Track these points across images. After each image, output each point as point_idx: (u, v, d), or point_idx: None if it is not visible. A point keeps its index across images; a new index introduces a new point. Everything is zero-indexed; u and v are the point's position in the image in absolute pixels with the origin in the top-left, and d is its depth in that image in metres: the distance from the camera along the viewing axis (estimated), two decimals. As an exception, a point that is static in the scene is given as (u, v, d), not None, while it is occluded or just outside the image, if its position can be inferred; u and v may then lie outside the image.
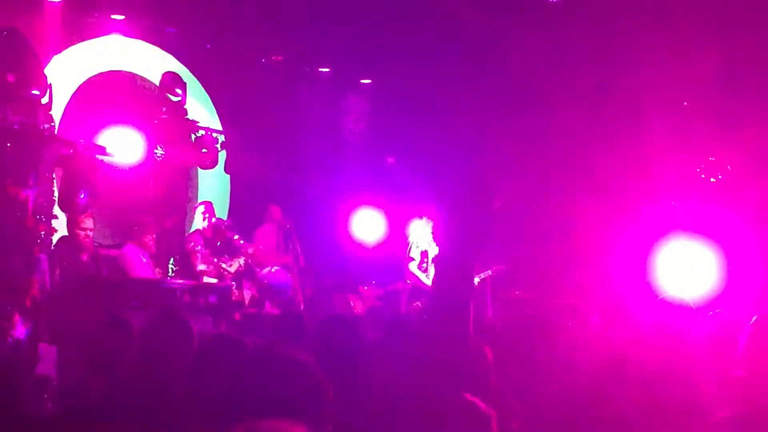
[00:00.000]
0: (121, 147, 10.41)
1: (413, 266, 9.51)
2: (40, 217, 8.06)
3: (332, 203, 13.78)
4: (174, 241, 10.44)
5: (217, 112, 12.50)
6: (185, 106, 11.41)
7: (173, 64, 11.71)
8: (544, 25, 11.59)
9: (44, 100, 7.85)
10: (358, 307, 11.00)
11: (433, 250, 9.50)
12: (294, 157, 13.50)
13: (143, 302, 7.67)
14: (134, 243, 8.89)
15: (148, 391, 3.38)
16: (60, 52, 10.39)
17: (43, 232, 8.17)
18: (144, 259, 8.82)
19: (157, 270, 9.12)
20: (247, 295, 10.40)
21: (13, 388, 3.61)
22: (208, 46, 12.11)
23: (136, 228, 8.92)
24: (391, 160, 14.00)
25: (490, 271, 10.71)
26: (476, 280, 10.57)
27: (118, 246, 9.37)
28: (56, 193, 8.47)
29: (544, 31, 11.57)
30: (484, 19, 11.20)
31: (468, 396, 2.74)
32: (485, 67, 12.07)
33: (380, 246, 12.01)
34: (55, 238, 8.68)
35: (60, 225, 8.87)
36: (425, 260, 9.55)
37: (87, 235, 8.44)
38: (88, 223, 8.48)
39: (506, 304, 12.07)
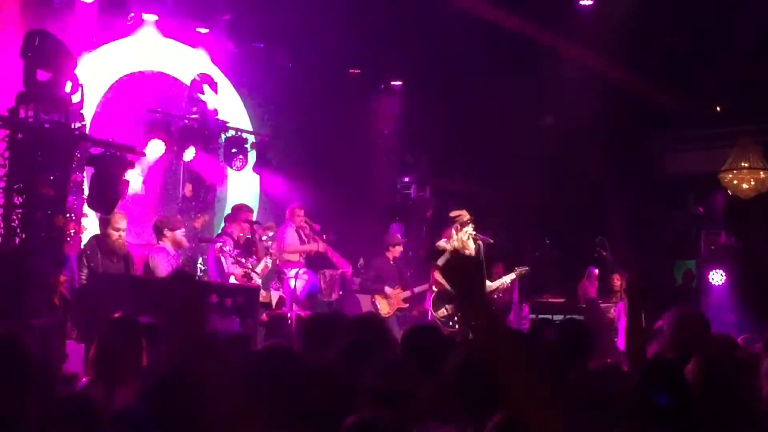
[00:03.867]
0: (152, 147, 10.46)
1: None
2: (70, 215, 8.08)
3: (362, 209, 13.71)
4: (202, 242, 10.46)
5: (248, 113, 12.50)
6: (216, 107, 11.45)
7: (205, 65, 11.72)
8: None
9: (75, 99, 7.86)
10: (384, 308, 10.95)
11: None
12: (325, 159, 13.47)
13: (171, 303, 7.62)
14: (164, 243, 8.89)
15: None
16: (92, 51, 10.41)
17: (72, 231, 8.21)
18: (173, 260, 8.82)
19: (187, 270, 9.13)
20: (275, 296, 10.39)
21: (45, 385, 3.59)
22: (239, 47, 12.10)
23: (165, 228, 8.92)
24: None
25: (514, 274, 10.70)
26: (507, 280, 10.60)
27: (148, 245, 9.38)
28: (86, 192, 8.49)
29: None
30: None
31: None
32: None
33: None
34: (84, 237, 8.71)
35: (89, 224, 8.90)
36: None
37: (120, 236, 8.47)
38: (122, 223, 8.50)
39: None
